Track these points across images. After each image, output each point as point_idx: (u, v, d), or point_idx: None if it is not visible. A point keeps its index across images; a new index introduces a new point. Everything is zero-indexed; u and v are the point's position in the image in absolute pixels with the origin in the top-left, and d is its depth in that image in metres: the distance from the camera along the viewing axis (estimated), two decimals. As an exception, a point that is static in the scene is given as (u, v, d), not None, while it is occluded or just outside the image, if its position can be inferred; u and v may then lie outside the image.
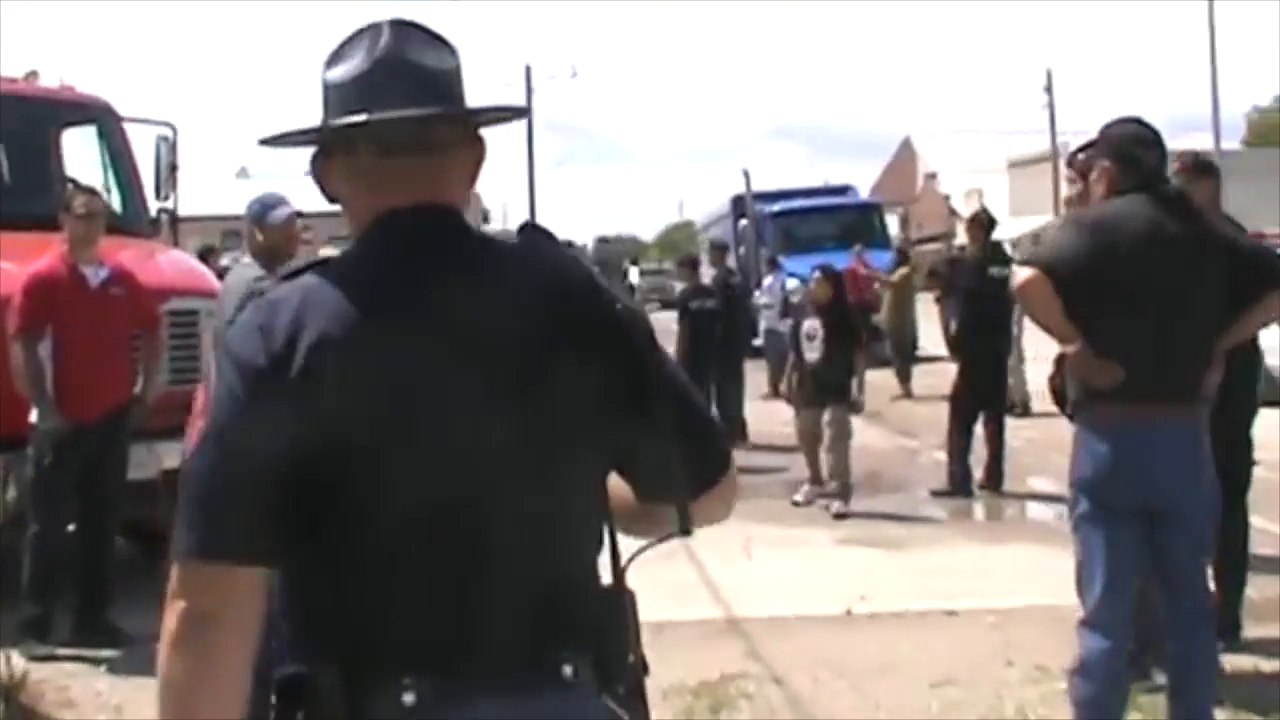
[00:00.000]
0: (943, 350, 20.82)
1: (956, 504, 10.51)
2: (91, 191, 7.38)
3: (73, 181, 8.75)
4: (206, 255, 13.99)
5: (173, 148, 9.70)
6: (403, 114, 1.85)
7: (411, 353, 1.78)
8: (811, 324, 10.09)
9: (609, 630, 1.91)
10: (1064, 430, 13.22)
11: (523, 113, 2.09)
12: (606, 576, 1.95)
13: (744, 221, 24.62)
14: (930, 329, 20.45)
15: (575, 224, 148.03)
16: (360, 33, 1.93)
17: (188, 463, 1.83)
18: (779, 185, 27.41)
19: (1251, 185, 28.35)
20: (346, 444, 1.75)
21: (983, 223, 11.27)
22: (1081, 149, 5.14)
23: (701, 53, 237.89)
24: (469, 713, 1.78)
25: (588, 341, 1.86)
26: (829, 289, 10.26)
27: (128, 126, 9.77)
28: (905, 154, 71.54)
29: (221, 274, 8.72)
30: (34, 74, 9.55)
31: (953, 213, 58.85)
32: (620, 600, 1.94)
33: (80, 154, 9.75)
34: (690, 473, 1.95)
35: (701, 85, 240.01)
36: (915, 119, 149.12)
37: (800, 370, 10.24)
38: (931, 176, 65.67)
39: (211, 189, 31.95)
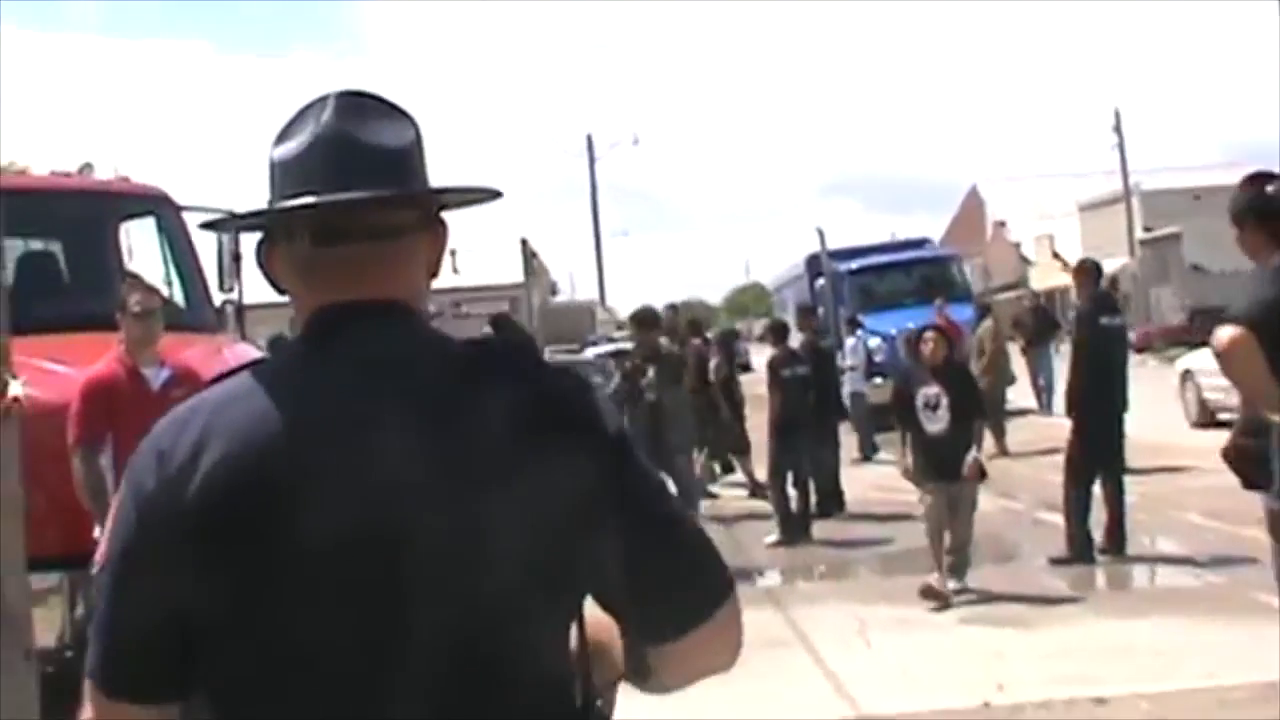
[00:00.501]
0: (1030, 403, 20.45)
1: (1079, 572, 9.81)
2: (147, 288, 7.13)
3: (131, 276, 8.40)
4: (277, 345, 13.74)
5: (235, 236, 9.36)
6: (337, 198, 1.66)
7: (323, 478, 1.60)
8: (930, 391, 9.11)
9: None
10: (1176, 484, 12.55)
11: (494, 195, 1.82)
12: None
13: (820, 281, 24.04)
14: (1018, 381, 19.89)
15: (642, 291, 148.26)
16: (308, 107, 1.75)
17: (98, 577, 1.74)
18: (839, 242, 26.62)
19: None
20: (244, 579, 1.61)
21: (1089, 270, 10.67)
22: (1252, 182, 4.55)
23: (747, 111, 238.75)
24: None
25: (537, 458, 1.63)
26: (945, 349, 9.42)
27: (187, 216, 9.46)
28: (972, 202, 71.03)
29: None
30: (89, 166, 9.33)
31: (1025, 260, 58.30)
32: None
33: (143, 247, 9.50)
34: (673, 606, 1.69)
35: (747, 144, 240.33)
36: (971, 167, 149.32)
37: (922, 442, 9.18)
38: (1000, 224, 65.08)
39: (278, 275, 31.91)
